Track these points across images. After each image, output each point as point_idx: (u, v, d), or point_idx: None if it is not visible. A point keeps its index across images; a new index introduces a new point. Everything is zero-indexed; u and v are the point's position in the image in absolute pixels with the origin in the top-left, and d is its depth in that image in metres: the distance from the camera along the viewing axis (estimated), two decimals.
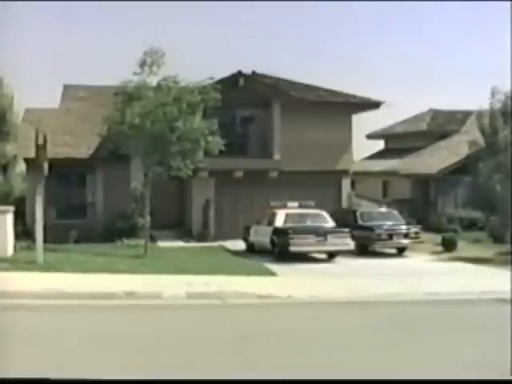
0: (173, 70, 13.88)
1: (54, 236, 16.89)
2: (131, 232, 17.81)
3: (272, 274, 12.62)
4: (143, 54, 13.40)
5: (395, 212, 17.88)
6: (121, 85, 13.51)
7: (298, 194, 18.40)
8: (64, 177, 18.95)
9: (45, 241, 16.15)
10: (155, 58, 13.48)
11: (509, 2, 20.02)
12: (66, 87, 21.67)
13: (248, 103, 19.73)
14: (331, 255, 15.39)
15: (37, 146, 12.12)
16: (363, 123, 29.21)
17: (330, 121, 20.66)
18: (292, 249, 14.50)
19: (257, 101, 19.79)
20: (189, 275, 11.71)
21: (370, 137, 32.84)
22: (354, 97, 21.44)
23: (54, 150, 18.27)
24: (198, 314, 9.20)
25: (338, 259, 15.30)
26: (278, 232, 15.21)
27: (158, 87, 13.69)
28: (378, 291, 10.91)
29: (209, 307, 9.65)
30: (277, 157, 20.13)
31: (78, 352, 6.61)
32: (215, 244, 18.34)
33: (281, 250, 14.87)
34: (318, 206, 17.11)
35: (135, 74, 13.52)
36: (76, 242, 17.60)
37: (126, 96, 13.44)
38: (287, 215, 15.69)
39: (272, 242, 15.30)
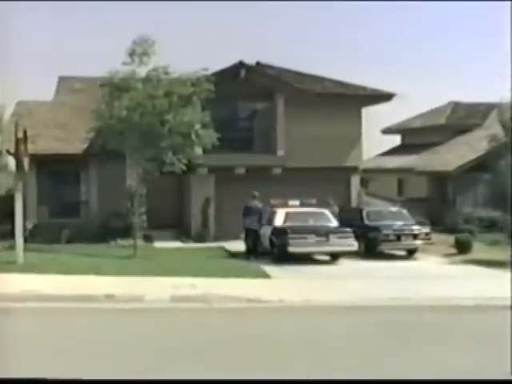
0: (165, 60, 13.83)
1: (46, 235, 17.06)
2: (126, 232, 17.67)
3: (266, 276, 12.50)
4: (132, 43, 13.31)
5: (404, 211, 17.60)
6: (108, 76, 13.43)
7: (304, 192, 18.02)
8: (56, 174, 19.02)
9: (36, 240, 16.37)
10: (145, 46, 13.39)
11: None
12: (60, 79, 21.73)
13: (250, 96, 19.56)
14: (334, 257, 15.21)
15: (16, 140, 12.09)
16: (379, 117, 29.14)
17: (338, 114, 20.43)
18: (291, 249, 14.35)
19: (259, 93, 19.62)
20: (177, 277, 11.64)
21: (385, 132, 32.52)
22: (364, 88, 21.14)
23: (46, 145, 18.48)
24: (179, 318, 9.10)
25: (342, 261, 15.11)
26: (276, 232, 15.08)
27: (148, 78, 13.60)
28: (379, 295, 10.71)
29: (192, 311, 9.55)
30: (281, 152, 19.97)
31: (37, 356, 6.53)
32: (214, 245, 18.23)
33: (279, 250, 14.73)
34: (324, 205, 16.92)
35: (124, 64, 13.46)
36: (68, 241, 17.62)
37: (113, 88, 13.37)
38: (287, 214, 15.54)
39: (271, 242, 15.18)
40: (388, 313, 9.61)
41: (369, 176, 27.52)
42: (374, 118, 24.39)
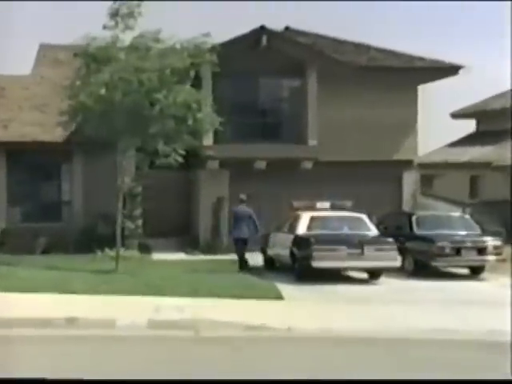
0: (155, 23, 13.73)
1: (16, 244, 17.27)
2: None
3: (278, 297, 12.32)
4: (113, 2, 13.29)
5: (467, 217, 17.14)
6: (83, 43, 13.46)
7: (340, 192, 18.11)
8: (32, 167, 19.27)
9: (3, 250, 16.59)
10: (131, 6, 13.36)
11: None
12: (41, 47, 21.96)
13: (274, 70, 19.54)
14: (373, 274, 14.93)
15: None
16: (448, 96, 28.46)
17: (388, 93, 20.22)
18: (315, 264, 14.15)
19: (286, 67, 19.54)
20: (162, 297, 11.62)
21: (455, 116, 31.87)
22: (422, 59, 20.87)
23: (20, 131, 18.73)
24: (154, 350, 8.92)
25: (383, 280, 14.80)
26: (298, 242, 14.91)
27: (133, 47, 13.56)
28: (418, 325, 10.37)
29: (172, 341, 9.40)
30: (312, 142, 19.84)
31: None
32: (227, 257, 18.04)
33: (301, 265, 14.56)
34: (367, 209, 16.71)
35: (105, 27, 13.45)
36: (45, 251, 17.88)
37: (90, 58, 13.39)
38: (312, 219, 15.36)
39: (292, 254, 15.01)
40: (424, 348, 9.24)
41: (433, 172, 27.02)
42: (439, 97, 23.96)
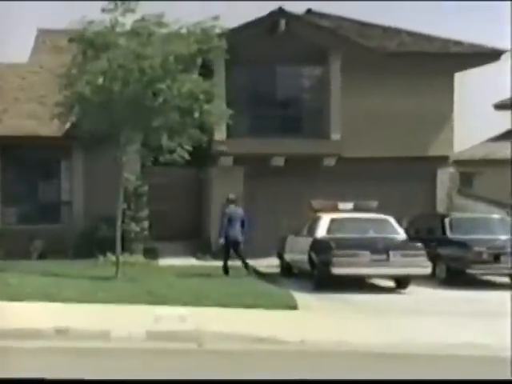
0: (158, 6, 13.77)
1: (10, 248, 17.41)
2: (120, 243, 17.93)
3: (292, 306, 12.25)
4: None
5: (508, 220, 16.94)
6: (79, 28, 13.53)
7: (367, 191, 18.17)
8: (28, 163, 19.43)
9: None
10: None
11: None
12: (40, 32, 22.12)
13: (293, 57, 19.57)
14: (400, 282, 14.88)
15: None
16: (491, 85, 28.13)
17: (421, 82, 20.19)
18: (335, 271, 14.12)
19: (307, 53, 19.59)
20: (164, 306, 11.64)
21: (499, 107, 31.52)
22: (459, 43, 20.74)
23: (15, 124, 18.87)
24: (151, 364, 8.92)
25: (411, 289, 14.73)
26: (316, 246, 14.94)
27: (134, 32, 13.59)
28: (445, 340, 10.25)
29: (172, 354, 9.38)
30: (335, 136, 19.86)
31: None
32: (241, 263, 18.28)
33: (320, 272, 14.58)
34: (396, 211, 16.70)
35: (104, 10, 13.50)
36: (41, 256, 18.01)
37: (86, 44, 13.45)
38: (333, 221, 15.35)
39: (310, 260, 15.03)
40: (460, 366, 9.11)
41: (473, 170, 26.77)
42: (480, 86, 23.77)
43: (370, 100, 19.79)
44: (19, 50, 27.67)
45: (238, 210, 16.58)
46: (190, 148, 14.35)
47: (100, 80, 13.19)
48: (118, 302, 11.82)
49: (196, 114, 13.71)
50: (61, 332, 9.90)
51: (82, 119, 14.39)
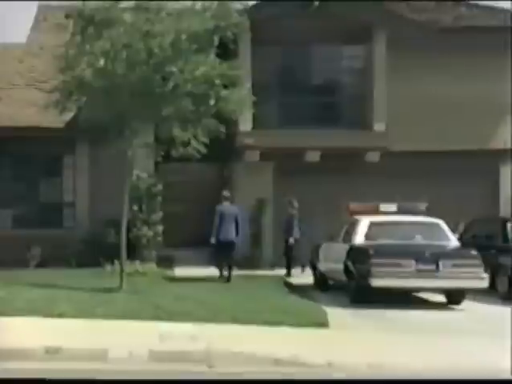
0: None
1: (5, 255, 17.52)
2: (131, 250, 18.01)
3: (322, 324, 12.19)
4: None
5: None
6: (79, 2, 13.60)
7: (416, 191, 18.20)
8: (26, 159, 19.62)
9: None
10: None
11: None
12: (40, 9, 22.32)
13: (330, 35, 19.65)
14: (452, 296, 14.82)
15: None
16: None
17: (480, 62, 20.14)
18: (374, 283, 14.05)
19: (346, 30, 19.61)
20: (172, 322, 11.66)
21: None
22: None
23: (11, 113, 19.02)
24: None
25: (466, 305, 14.63)
26: (353, 254, 14.91)
27: (140, 7, 13.61)
28: (501, 364, 10.05)
29: (180, 377, 9.28)
30: (380, 127, 19.88)
31: None
32: (269, 273, 18.56)
33: (358, 284, 14.54)
34: (450, 214, 16.68)
35: None
36: (40, 265, 18.17)
37: (86, 21, 13.51)
38: (373, 225, 15.31)
39: (346, 270, 15.02)
40: None
41: None
42: None
43: (420, 84, 19.72)
44: (16, 29, 27.93)
45: (232, 208, 17.36)
46: (205, 140, 14.33)
47: (101, 62, 13.18)
48: (119, 318, 11.83)
49: (212, 101, 13.69)
50: (51, 352, 9.88)
51: (83, 107, 14.43)
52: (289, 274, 18.66)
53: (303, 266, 18.85)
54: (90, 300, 13.15)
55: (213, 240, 16.95)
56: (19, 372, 9.26)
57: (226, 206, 17.28)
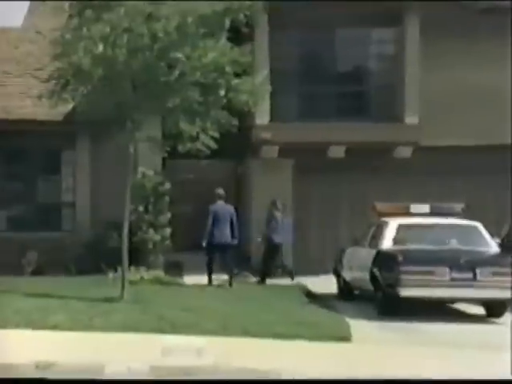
0: None
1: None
2: (136, 255, 18.03)
3: (344, 337, 12.17)
4: None
5: None
6: None
7: (451, 190, 18.43)
8: (22, 156, 19.63)
9: None
10: None
11: None
12: None
13: (357, 18, 19.64)
14: (491, 309, 14.78)
15: None
16: None
17: None
18: (404, 292, 14.02)
19: (374, 12, 19.53)
20: (178, 335, 11.69)
21: None
22: None
23: (5, 105, 19.10)
24: None
25: (508, 318, 14.39)
26: (381, 260, 14.89)
27: None
28: None
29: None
30: (412, 120, 19.84)
31: None
32: (288, 282, 18.55)
33: (385, 293, 14.52)
34: (490, 216, 17.05)
35: None
36: (36, 272, 18.19)
37: (83, 2, 13.50)
38: (401, 228, 15.28)
39: (373, 278, 14.99)
40: None
41: None
42: None
43: (457, 72, 19.67)
44: (11, 12, 28.04)
45: (227, 207, 17.59)
46: (215, 135, 14.27)
47: (100, 47, 13.13)
48: (118, 330, 11.85)
49: (222, 92, 13.64)
50: (42, 367, 9.88)
51: (81, 98, 14.40)
52: (263, 280, 18.47)
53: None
54: (88, 310, 13.11)
55: (204, 243, 17.15)
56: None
57: (220, 206, 17.46)
